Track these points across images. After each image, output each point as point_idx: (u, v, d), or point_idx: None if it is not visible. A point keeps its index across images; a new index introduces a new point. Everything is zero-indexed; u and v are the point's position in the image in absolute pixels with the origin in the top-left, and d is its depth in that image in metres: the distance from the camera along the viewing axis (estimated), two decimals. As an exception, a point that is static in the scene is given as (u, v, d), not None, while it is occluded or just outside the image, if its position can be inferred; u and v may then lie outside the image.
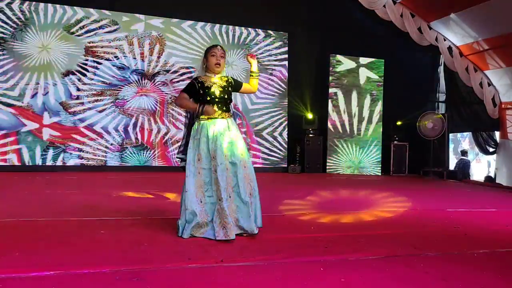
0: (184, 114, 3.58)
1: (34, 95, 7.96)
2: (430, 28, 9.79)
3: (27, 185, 6.02)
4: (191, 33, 8.99)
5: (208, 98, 3.23)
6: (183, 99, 3.28)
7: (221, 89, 3.28)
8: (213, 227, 3.09)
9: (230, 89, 3.35)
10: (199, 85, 3.26)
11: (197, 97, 3.27)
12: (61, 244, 2.84)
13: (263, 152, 9.45)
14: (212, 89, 3.25)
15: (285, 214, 4.33)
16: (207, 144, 3.17)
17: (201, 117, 3.23)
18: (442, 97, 10.85)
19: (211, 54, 3.27)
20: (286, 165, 9.56)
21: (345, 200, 5.59)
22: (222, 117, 3.26)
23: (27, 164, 7.86)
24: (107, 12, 8.45)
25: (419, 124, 9.59)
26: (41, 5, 8.03)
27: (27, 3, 7.95)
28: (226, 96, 3.31)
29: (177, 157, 3.41)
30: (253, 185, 3.23)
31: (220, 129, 3.21)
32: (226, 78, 3.37)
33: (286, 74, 9.69)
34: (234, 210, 3.14)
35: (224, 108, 3.28)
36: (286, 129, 9.66)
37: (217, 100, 3.25)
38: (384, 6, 9.45)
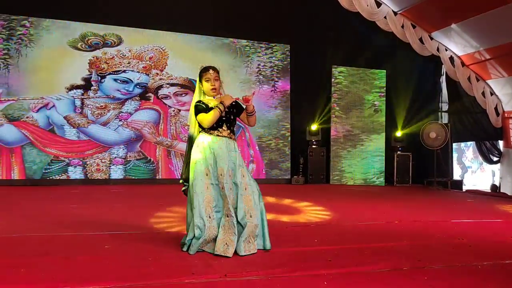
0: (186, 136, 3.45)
1: (38, 110, 8.03)
2: (432, 39, 9.85)
3: (32, 200, 6.05)
4: (193, 46, 9.08)
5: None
6: (207, 116, 3.13)
7: (226, 109, 3.21)
8: (215, 242, 3.07)
9: (234, 111, 3.31)
10: (204, 106, 3.20)
11: None
12: (66, 259, 2.85)
13: (266, 164, 9.46)
14: None
15: (288, 227, 4.32)
16: (215, 160, 3.14)
17: (210, 131, 3.19)
18: (444, 106, 10.86)
19: (205, 79, 3.23)
20: (289, 177, 9.56)
21: (349, 211, 5.57)
22: (230, 137, 3.23)
23: (31, 178, 7.90)
24: (110, 26, 8.55)
25: (422, 134, 9.59)
26: (46, 20, 8.15)
27: (31, 18, 8.06)
28: (231, 118, 3.28)
29: (181, 181, 3.35)
30: (253, 206, 3.15)
31: (229, 147, 3.19)
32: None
33: (289, 86, 9.74)
34: (233, 229, 3.08)
35: (231, 129, 3.26)
36: (289, 140, 9.68)
37: (224, 119, 3.21)
38: (385, 17, 9.53)
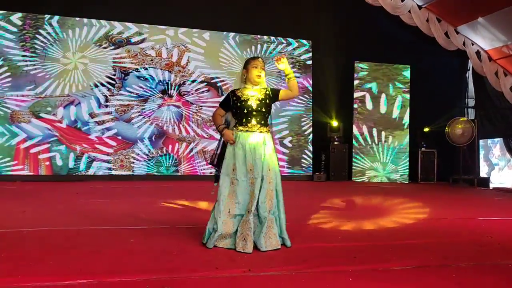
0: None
1: (65, 107, 8.20)
2: (457, 33, 9.62)
3: (59, 194, 6.18)
4: (215, 42, 9.10)
5: (245, 111, 3.20)
6: (216, 114, 3.34)
7: (258, 102, 3.22)
8: (235, 237, 3.09)
9: (268, 101, 3.29)
10: (234, 98, 3.24)
11: (233, 110, 3.27)
12: (92, 252, 2.90)
13: (288, 161, 9.43)
14: (249, 102, 3.20)
15: (311, 223, 4.30)
16: (244, 156, 3.15)
17: (240, 128, 3.22)
18: (471, 102, 10.60)
19: (252, 66, 3.25)
20: (311, 173, 9.51)
21: (372, 208, 5.51)
22: (260, 131, 3.21)
23: (58, 174, 8.08)
24: (134, 24, 8.66)
25: (448, 130, 9.39)
26: (71, 19, 8.31)
27: (57, 17, 8.23)
28: (264, 109, 3.25)
29: (210, 163, 3.42)
30: (274, 202, 3.15)
31: (257, 142, 3.17)
32: (264, 90, 3.31)
33: (311, 82, 9.67)
34: (255, 225, 3.10)
35: (262, 122, 3.24)
36: (311, 137, 9.62)
37: (254, 113, 3.21)
38: (409, 11, 9.35)
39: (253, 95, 3.25)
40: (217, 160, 3.33)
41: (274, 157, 3.25)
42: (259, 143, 3.18)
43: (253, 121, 3.21)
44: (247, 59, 3.39)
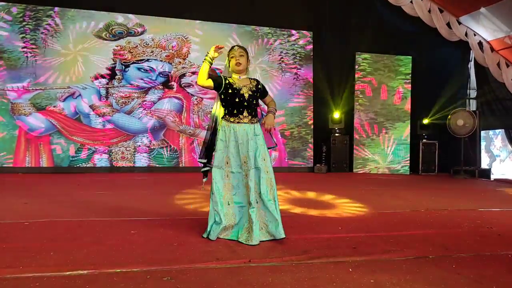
0: (209, 116, 3.48)
1: (65, 99, 8.19)
2: (460, 23, 9.56)
3: (60, 186, 6.19)
4: (216, 34, 9.05)
5: (237, 100, 3.17)
6: (199, 72, 3.18)
7: (250, 92, 3.21)
8: (238, 229, 3.11)
9: (258, 95, 3.30)
10: (227, 82, 3.22)
11: (224, 97, 3.21)
12: (93, 243, 2.91)
13: (289, 152, 9.43)
14: (242, 91, 3.19)
15: (311, 214, 4.30)
16: (237, 148, 3.15)
17: (231, 119, 3.19)
18: (473, 93, 10.56)
19: (230, 57, 3.27)
20: (312, 165, 9.51)
21: (373, 200, 5.51)
22: (251, 122, 3.21)
23: (59, 165, 8.09)
24: (134, 15, 8.61)
25: (449, 121, 9.37)
26: (71, 10, 8.27)
27: (57, 8, 8.19)
28: (255, 102, 3.26)
29: (199, 161, 3.35)
30: (273, 191, 3.16)
31: (249, 133, 3.17)
32: (256, 83, 3.31)
33: (312, 74, 9.63)
34: (262, 216, 3.10)
35: (253, 113, 3.24)
36: (312, 128, 9.60)
37: (245, 104, 3.19)
38: (411, 1, 9.29)
39: (245, 84, 3.24)
40: (206, 151, 3.27)
41: (265, 147, 3.24)
42: (251, 135, 3.18)
43: (245, 113, 3.20)
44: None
